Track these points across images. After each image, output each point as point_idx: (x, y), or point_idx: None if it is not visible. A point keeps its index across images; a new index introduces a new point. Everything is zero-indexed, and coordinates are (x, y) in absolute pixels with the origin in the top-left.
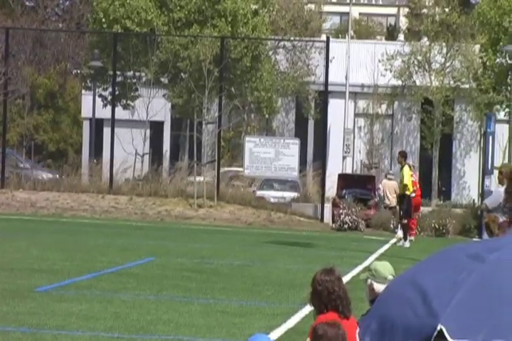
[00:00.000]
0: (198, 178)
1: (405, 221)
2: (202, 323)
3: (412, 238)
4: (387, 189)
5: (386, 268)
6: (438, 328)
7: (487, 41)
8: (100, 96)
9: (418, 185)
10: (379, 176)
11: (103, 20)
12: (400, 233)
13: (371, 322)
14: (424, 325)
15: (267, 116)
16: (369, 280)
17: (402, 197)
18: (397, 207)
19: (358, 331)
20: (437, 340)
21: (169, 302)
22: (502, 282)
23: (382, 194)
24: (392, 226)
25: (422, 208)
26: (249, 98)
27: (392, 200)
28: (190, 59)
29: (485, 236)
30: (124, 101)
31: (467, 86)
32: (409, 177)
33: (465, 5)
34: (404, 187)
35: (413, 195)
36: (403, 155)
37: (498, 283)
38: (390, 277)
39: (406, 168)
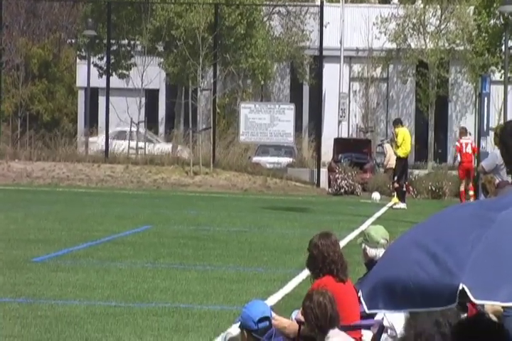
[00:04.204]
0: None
1: (396, 184)
2: (199, 290)
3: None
4: (390, 151)
5: (378, 233)
6: (460, 287)
7: (481, 3)
8: (95, 65)
9: (467, 150)
10: (375, 140)
11: None
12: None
13: (376, 285)
14: (444, 285)
15: (262, 82)
16: (363, 245)
17: (397, 160)
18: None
19: (360, 294)
20: (459, 301)
21: (166, 270)
22: None
23: (387, 155)
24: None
25: (417, 171)
26: (243, 65)
27: (392, 162)
28: (184, 26)
29: (481, 197)
30: (119, 70)
31: (462, 48)
32: (404, 137)
33: None
34: (396, 148)
35: (400, 155)
36: (395, 122)
37: None
38: (383, 241)
39: (401, 129)
